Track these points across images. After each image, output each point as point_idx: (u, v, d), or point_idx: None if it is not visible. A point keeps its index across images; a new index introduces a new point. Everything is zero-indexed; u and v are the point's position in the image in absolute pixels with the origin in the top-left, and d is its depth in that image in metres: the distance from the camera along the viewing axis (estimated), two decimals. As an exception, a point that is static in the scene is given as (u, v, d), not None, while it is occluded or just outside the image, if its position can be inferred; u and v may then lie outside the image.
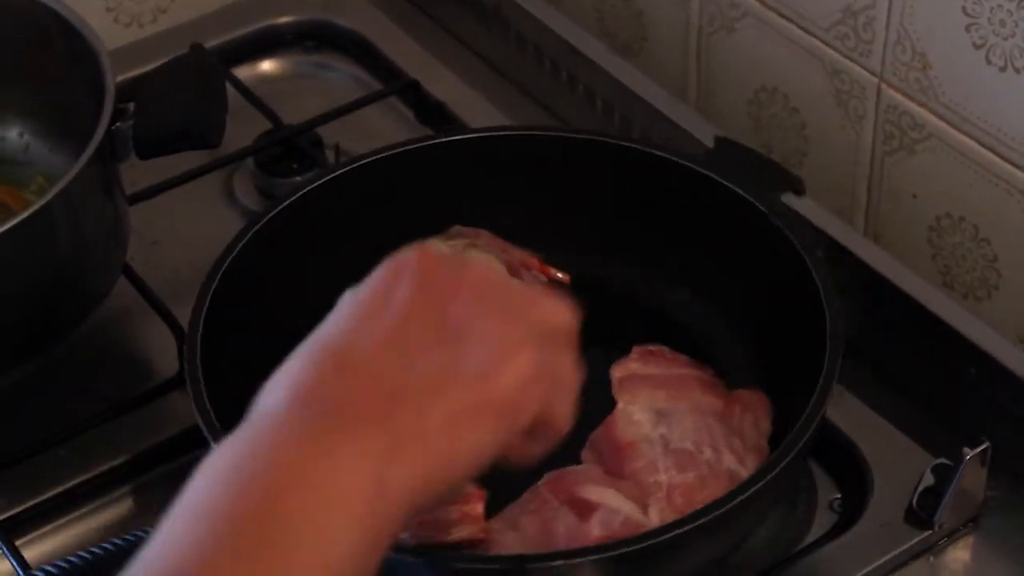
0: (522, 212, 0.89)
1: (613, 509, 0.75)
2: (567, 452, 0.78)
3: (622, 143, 0.88)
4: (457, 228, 0.88)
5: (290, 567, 0.50)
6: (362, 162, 0.88)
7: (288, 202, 0.86)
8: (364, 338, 0.59)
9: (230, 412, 0.76)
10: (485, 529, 0.75)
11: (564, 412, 0.63)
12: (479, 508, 0.75)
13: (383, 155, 0.88)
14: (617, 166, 0.88)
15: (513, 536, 0.76)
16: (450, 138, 0.91)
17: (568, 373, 0.63)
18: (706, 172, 0.86)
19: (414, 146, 0.89)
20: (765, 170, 0.90)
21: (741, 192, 0.85)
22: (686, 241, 0.88)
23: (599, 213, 0.89)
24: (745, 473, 0.76)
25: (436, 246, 0.70)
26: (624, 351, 0.84)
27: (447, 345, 0.59)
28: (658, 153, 0.88)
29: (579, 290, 0.75)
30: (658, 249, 0.88)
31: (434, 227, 0.87)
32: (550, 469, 0.77)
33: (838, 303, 0.79)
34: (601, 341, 0.74)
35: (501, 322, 0.60)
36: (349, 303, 0.61)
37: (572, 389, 0.63)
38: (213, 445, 0.73)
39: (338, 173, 0.87)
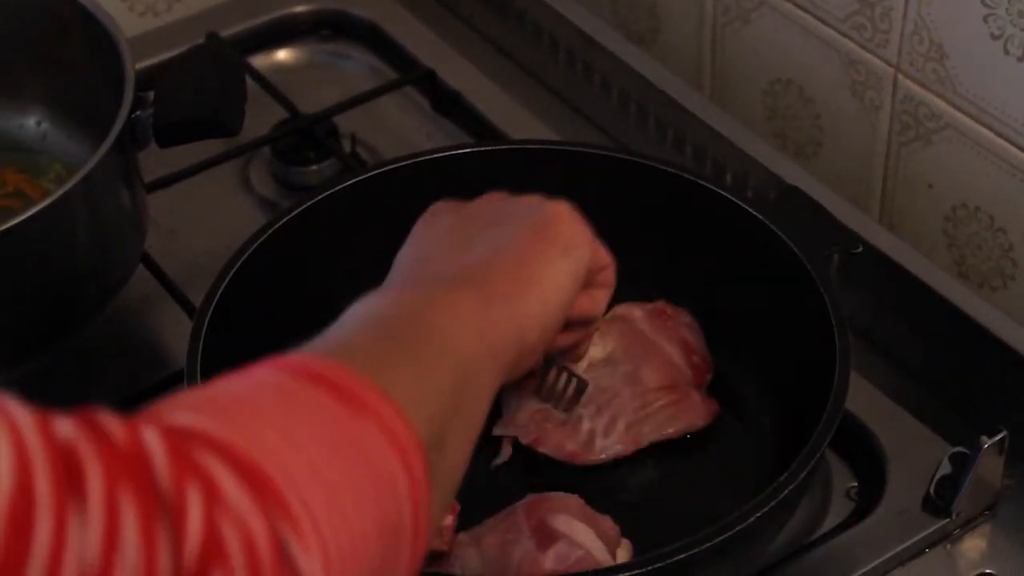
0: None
1: (575, 543, 0.73)
2: (560, 479, 0.79)
3: (684, 175, 0.86)
4: None
5: (441, 360, 0.58)
6: (389, 167, 0.87)
7: (307, 205, 0.85)
8: (430, 246, 0.70)
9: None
10: (450, 542, 0.75)
11: (606, 254, 0.73)
12: (448, 520, 0.75)
13: (410, 161, 0.88)
14: (673, 196, 0.87)
15: (474, 553, 0.75)
16: (475, 149, 0.90)
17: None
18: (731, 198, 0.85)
19: (443, 154, 0.88)
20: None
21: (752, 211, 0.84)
22: (695, 257, 0.87)
23: (644, 239, 0.87)
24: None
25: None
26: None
27: (496, 227, 0.70)
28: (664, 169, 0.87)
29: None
30: (667, 263, 0.87)
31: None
32: (536, 491, 0.77)
33: (848, 328, 0.78)
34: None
35: (528, 204, 0.72)
36: (403, 252, 0.72)
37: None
38: None
39: (365, 177, 0.87)
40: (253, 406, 0.50)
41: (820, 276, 0.79)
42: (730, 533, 0.69)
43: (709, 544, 0.68)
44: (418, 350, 0.58)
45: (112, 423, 0.46)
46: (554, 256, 0.68)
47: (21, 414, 0.44)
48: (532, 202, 0.72)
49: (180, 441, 0.46)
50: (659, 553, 0.68)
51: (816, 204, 0.85)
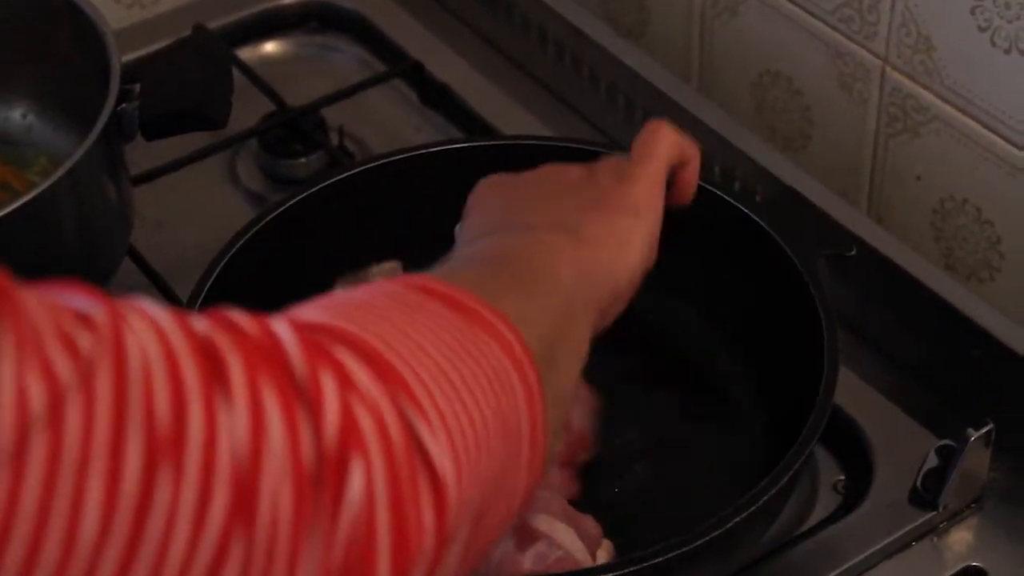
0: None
1: (555, 543, 0.73)
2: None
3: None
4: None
5: (548, 288, 0.61)
6: (379, 162, 0.87)
7: (295, 200, 0.85)
8: (506, 204, 0.71)
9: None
10: None
11: (689, 179, 0.75)
12: None
13: (399, 156, 0.87)
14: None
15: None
16: (466, 144, 0.90)
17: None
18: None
19: (433, 149, 0.88)
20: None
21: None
22: (680, 250, 0.86)
23: None
24: None
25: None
26: (621, 357, 0.82)
27: (570, 190, 0.71)
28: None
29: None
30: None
31: (441, 230, 0.86)
32: None
33: (838, 330, 0.77)
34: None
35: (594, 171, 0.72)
36: (472, 218, 0.72)
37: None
38: None
39: (354, 172, 0.87)
40: (376, 309, 0.52)
41: (811, 278, 0.79)
42: (710, 536, 0.69)
43: (689, 547, 0.68)
44: (525, 279, 0.61)
45: (244, 319, 0.48)
46: (629, 217, 0.70)
47: (160, 313, 0.46)
48: (598, 169, 0.73)
49: (311, 333, 0.49)
50: (639, 555, 0.68)
51: (811, 204, 0.85)
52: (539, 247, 0.64)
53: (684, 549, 0.68)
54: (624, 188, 0.70)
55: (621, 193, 0.70)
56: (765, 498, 0.70)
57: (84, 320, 0.44)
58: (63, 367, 0.42)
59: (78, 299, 0.46)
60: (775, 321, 0.82)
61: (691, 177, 0.75)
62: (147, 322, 0.45)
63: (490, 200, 0.72)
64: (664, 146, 0.73)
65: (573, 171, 0.73)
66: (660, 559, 0.68)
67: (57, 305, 0.44)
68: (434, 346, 0.51)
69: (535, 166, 0.87)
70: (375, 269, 0.85)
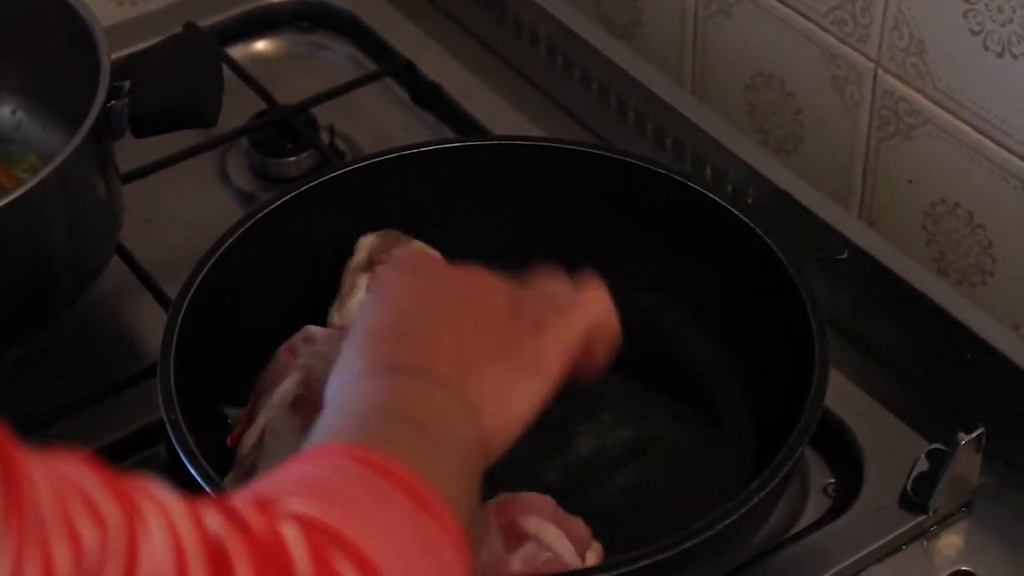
0: (523, 223, 0.88)
1: (544, 545, 0.72)
2: (533, 479, 0.78)
3: (675, 176, 0.85)
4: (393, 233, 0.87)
5: (463, 455, 0.61)
6: (370, 161, 0.87)
7: (284, 199, 0.84)
8: (408, 322, 0.66)
9: (199, 396, 0.76)
10: None
11: (600, 355, 0.71)
12: None
13: (389, 156, 0.87)
14: (656, 195, 0.85)
15: None
16: (457, 144, 0.89)
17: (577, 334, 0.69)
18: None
19: (424, 149, 0.87)
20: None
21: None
22: (671, 251, 0.86)
23: (606, 229, 0.87)
24: None
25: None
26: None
27: (481, 327, 0.67)
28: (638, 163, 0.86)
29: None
30: (641, 258, 0.86)
31: (430, 230, 0.86)
32: (507, 490, 0.75)
33: (827, 336, 0.77)
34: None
35: (510, 304, 0.68)
36: (372, 303, 0.68)
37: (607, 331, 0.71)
38: (169, 428, 0.73)
39: (343, 171, 0.86)
40: (356, 501, 0.54)
41: (801, 280, 0.79)
42: (701, 538, 0.68)
43: (679, 549, 0.68)
44: (444, 445, 0.61)
45: (252, 515, 0.49)
46: (529, 381, 0.66)
47: (174, 504, 0.46)
48: (523, 303, 0.69)
49: (317, 540, 0.50)
50: (628, 557, 0.68)
51: (802, 207, 0.85)
52: (447, 410, 0.62)
53: (674, 551, 0.68)
54: (535, 343, 0.67)
55: (530, 347, 0.67)
56: (755, 500, 0.70)
57: (94, 511, 0.43)
58: (64, 565, 0.42)
59: (88, 476, 0.45)
60: (765, 323, 0.82)
61: (602, 355, 0.70)
62: (162, 519, 0.45)
63: (398, 306, 0.67)
64: (592, 312, 0.70)
65: (498, 297, 0.68)
66: (650, 561, 0.68)
67: (66, 484, 0.43)
68: (411, 547, 0.53)
69: (525, 167, 0.87)
70: (396, 251, 0.84)
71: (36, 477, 0.42)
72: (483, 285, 0.69)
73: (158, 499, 0.46)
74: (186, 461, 0.71)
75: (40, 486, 0.42)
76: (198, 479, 0.71)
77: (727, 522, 0.69)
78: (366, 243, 0.86)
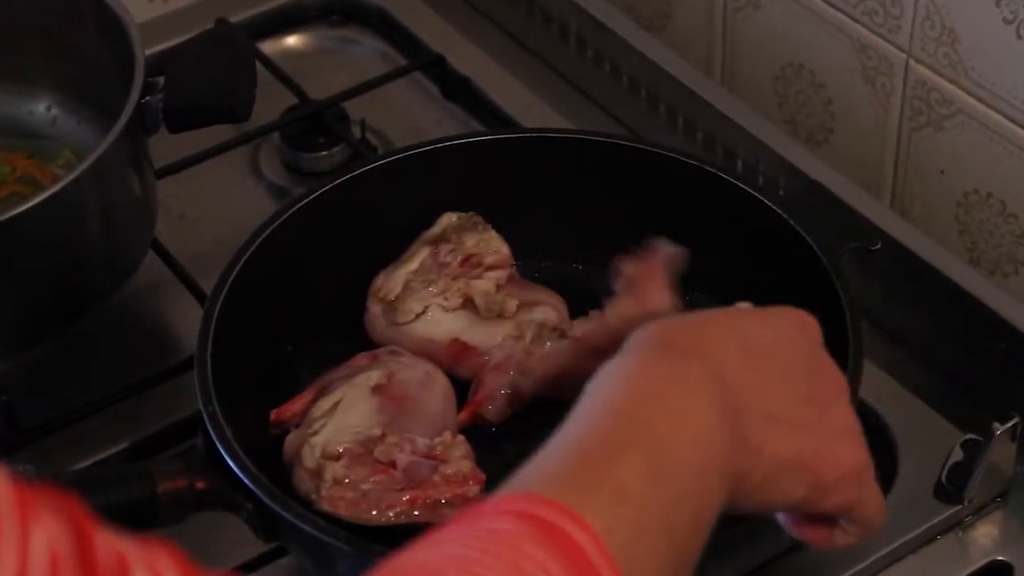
0: (554, 216, 0.88)
1: None
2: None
3: (707, 167, 0.85)
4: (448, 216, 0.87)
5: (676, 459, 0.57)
6: (401, 155, 0.87)
7: (318, 193, 0.84)
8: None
9: (235, 389, 0.76)
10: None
11: (874, 508, 0.68)
12: (474, 491, 0.74)
13: (420, 150, 0.87)
14: (688, 185, 0.85)
15: None
16: (488, 137, 0.90)
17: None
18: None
19: (456, 142, 0.88)
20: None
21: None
22: (709, 246, 0.85)
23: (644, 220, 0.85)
24: None
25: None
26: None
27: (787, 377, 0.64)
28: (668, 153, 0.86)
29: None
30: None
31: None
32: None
33: (863, 328, 0.77)
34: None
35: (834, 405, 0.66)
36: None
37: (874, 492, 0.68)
38: (206, 420, 0.73)
39: (376, 164, 0.87)
40: None
41: (835, 272, 0.79)
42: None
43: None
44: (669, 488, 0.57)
45: None
46: (802, 490, 0.64)
47: None
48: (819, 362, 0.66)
49: None
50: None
51: (836, 198, 0.85)
52: (703, 429, 0.58)
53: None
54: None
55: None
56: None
57: None
58: None
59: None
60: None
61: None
62: None
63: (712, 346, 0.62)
64: None
65: (796, 358, 0.65)
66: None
67: None
68: None
69: (557, 159, 0.87)
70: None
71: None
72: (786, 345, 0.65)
73: None
74: (223, 452, 0.72)
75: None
76: (235, 470, 0.71)
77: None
78: (446, 220, 0.86)
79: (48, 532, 0.40)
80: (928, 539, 0.80)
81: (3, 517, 0.40)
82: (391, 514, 0.73)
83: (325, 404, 0.78)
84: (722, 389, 0.60)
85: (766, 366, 0.63)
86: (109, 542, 0.43)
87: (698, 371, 0.60)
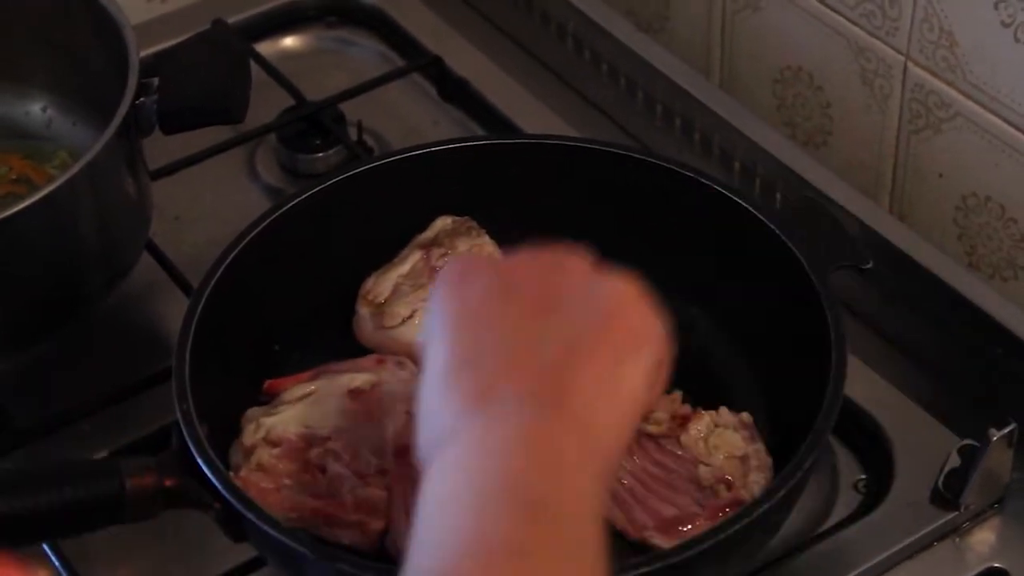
0: (549, 221, 0.87)
1: None
2: None
3: (702, 180, 0.84)
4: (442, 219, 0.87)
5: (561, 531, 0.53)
6: (397, 157, 0.87)
7: (309, 192, 0.84)
8: (480, 340, 0.58)
9: (219, 389, 0.76)
10: None
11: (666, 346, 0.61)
12: (377, 525, 0.74)
13: (417, 152, 0.87)
14: (687, 198, 0.85)
15: None
16: (485, 142, 0.90)
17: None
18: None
19: (451, 146, 0.87)
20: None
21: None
22: (698, 256, 0.85)
23: (641, 230, 0.86)
24: None
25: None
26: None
27: (553, 314, 0.59)
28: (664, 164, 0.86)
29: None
30: (667, 263, 0.83)
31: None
32: None
33: (847, 348, 0.75)
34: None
35: (585, 282, 0.60)
36: (432, 338, 0.61)
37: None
38: (180, 418, 0.73)
39: (369, 166, 0.86)
40: None
41: (823, 290, 0.77)
42: (705, 545, 0.68)
43: (706, 544, 0.67)
44: (559, 529, 0.53)
45: None
46: (627, 356, 0.58)
47: None
48: (588, 279, 0.61)
49: None
50: (659, 553, 0.68)
51: (829, 214, 0.84)
52: (553, 463, 0.54)
53: (705, 545, 0.68)
54: (625, 317, 0.59)
55: (620, 316, 0.59)
56: (783, 490, 0.70)
57: None
58: None
59: None
60: (787, 330, 0.81)
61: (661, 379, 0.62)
62: None
63: (459, 332, 0.59)
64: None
65: (565, 280, 0.60)
66: (679, 557, 0.67)
67: None
68: None
69: (554, 165, 0.86)
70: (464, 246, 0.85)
71: None
72: (545, 268, 0.61)
73: None
74: (194, 451, 0.71)
75: None
76: (204, 469, 0.71)
77: (730, 531, 0.68)
78: (440, 224, 0.86)
79: None
80: (924, 545, 0.79)
81: None
82: (292, 516, 0.73)
83: (299, 391, 0.78)
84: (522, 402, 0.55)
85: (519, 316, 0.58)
86: None
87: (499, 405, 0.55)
